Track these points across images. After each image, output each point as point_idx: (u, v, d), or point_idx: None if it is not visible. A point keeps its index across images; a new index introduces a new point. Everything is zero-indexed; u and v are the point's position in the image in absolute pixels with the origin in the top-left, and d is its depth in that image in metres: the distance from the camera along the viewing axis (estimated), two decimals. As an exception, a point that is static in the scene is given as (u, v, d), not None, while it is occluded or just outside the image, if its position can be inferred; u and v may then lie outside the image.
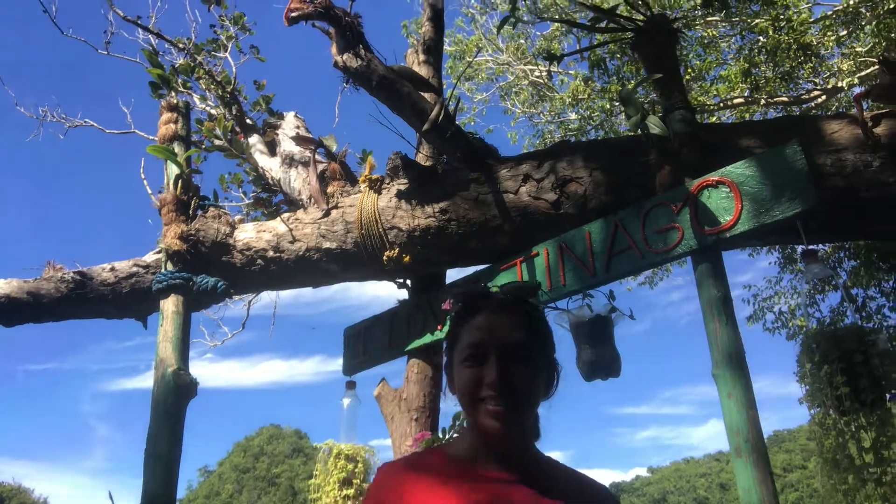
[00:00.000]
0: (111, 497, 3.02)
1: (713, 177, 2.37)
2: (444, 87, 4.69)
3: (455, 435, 2.55)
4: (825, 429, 2.23)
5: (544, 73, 11.38)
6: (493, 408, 1.26)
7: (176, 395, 3.00)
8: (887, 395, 2.13)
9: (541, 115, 11.88)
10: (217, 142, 4.24)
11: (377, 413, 3.38)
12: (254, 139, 4.51)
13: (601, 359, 2.61)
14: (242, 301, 5.29)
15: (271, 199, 4.54)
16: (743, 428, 2.08)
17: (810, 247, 2.47)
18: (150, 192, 3.68)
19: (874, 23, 8.19)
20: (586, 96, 10.16)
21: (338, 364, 3.48)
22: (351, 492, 2.98)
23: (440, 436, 2.66)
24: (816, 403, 2.24)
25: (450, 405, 2.53)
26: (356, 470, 3.03)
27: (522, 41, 11.89)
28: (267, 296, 5.20)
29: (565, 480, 1.36)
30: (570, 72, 11.41)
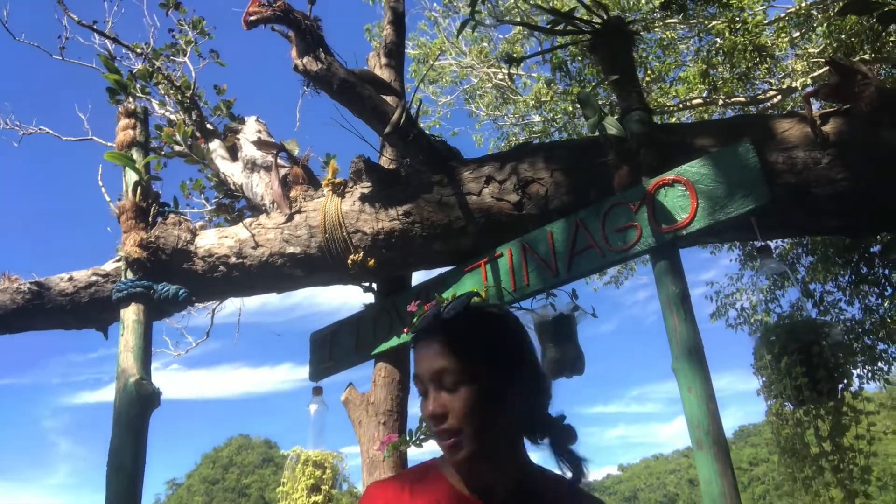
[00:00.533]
0: None
1: (669, 175, 2.41)
2: (408, 90, 4.69)
3: (422, 436, 2.56)
4: (783, 419, 2.29)
5: (507, 76, 11.46)
6: (443, 442, 1.22)
7: (138, 405, 2.95)
8: (839, 386, 2.20)
9: (505, 117, 11.95)
10: (177, 147, 4.19)
11: (346, 419, 3.36)
12: (215, 144, 4.46)
13: (565, 357, 2.63)
14: (206, 309, 5.22)
15: (234, 205, 4.49)
16: (703, 421, 2.11)
17: (765, 242, 2.54)
18: (108, 199, 3.62)
19: (825, 24, 8.44)
20: (549, 99, 10.26)
21: (307, 371, 3.45)
22: (319, 498, 2.96)
23: (407, 438, 2.65)
24: (774, 394, 2.29)
25: (417, 408, 2.54)
26: (324, 476, 3.01)
27: (486, 44, 11.96)
28: (232, 304, 5.14)
29: (553, 498, 1.32)
30: (533, 75, 11.51)
